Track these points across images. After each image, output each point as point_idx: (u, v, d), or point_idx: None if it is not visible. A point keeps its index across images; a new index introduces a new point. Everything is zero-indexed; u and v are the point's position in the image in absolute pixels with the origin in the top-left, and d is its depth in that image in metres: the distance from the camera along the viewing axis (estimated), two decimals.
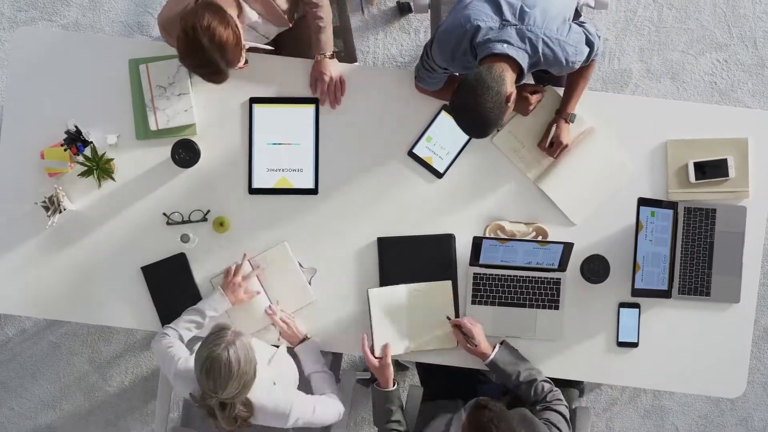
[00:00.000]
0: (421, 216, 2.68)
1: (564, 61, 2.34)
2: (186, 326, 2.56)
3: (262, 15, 2.54)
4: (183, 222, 2.69)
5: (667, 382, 2.66)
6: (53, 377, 3.57)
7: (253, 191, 2.70)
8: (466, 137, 2.65)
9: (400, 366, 3.43)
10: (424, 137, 2.66)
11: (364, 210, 2.69)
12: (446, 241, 2.66)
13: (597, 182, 2.66)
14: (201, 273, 2.69)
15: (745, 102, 3.47)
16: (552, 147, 2.62)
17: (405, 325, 2.64)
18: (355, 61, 3.17)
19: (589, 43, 2.40)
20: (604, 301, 2.66)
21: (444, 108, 2.66)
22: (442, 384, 2.71)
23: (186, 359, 2.43)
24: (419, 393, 2.77)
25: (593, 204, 2.67)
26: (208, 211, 2.69)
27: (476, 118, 2.20)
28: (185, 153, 2.64)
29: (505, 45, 2.25)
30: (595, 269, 2.63)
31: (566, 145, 2.61)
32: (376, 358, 2.56)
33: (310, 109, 2.70)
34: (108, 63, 2.72)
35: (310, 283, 2.66)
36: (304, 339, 2.61)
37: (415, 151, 2.67)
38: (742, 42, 3.48)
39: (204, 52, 2.27)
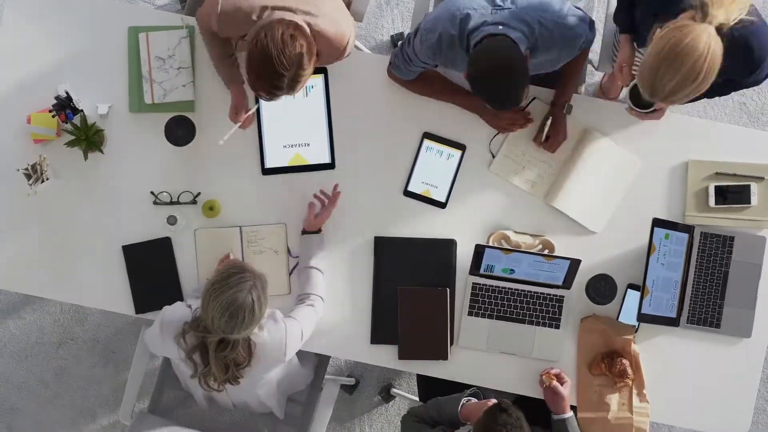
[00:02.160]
0: (423, 218, 2.69)
1: (562, 42, 2.36)
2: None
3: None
4: (171, 203, 2.69)
5: (667, 416, 2.66)
6: (19, 356, 3.57)
7: (266, 171, 2.70)
8: (456, 164, 2.67)
9: (388, 396, 3.43)
10: (414, 172, 2.67)
11: (365, 206, 2.69)
12: (447, 246, 2.66)
13: (607, 184, 2.67)
14: (185, 259, 2.69)
15: None
16: (548, 141, 2.63)
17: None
18: (360, 21, 3.16)
19: (588, 23, 2.42)
20: None
21: (425, 135, 2.67)
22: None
23: (174, 308, 2.42)
24: None
25: (610, 208, 2.67)
26: (199, 194, 2.70)
27: (506, 78, 2.19)
28: (180, 130, 2.64)
29: (501, 27, 2.26)
30: (601, 289, 2.64)
31: (564, 138, 2.62)
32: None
33: (319, 79, 2.70)
34: (106, 28, 2.72)
35: (290, 274, 2.65)
36: (319, 230, 2.62)
37: (410, 189, 2.68)
38: None
39: (282, 70, 2.26)
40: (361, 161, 2.69)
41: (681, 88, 2.11)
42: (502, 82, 2.20)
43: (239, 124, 2.54)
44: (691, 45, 2.06)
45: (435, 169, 2.68)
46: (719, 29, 2.11)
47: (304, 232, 2.62)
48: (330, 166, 2.69)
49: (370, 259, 2.67)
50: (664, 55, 2.09)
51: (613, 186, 2.67)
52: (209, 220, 2.68)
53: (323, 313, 2.59)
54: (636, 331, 2.63)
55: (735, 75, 2.35)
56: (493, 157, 2.68)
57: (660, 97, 2.15)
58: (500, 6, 2.31)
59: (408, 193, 2.68)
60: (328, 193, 2.63)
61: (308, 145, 2.70)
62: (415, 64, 2.51)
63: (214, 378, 2.35)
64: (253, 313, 2.22)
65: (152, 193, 2.70)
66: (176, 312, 2.40)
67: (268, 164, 2.70)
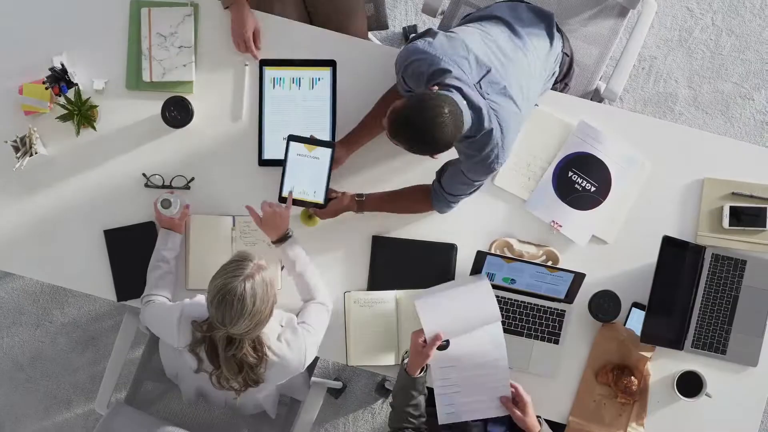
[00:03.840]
0: (426, 219, 2.69)
1: (484, 155, 2.33)
2: (157, 283, 2.56)
3: None
4: (163, 186, 2.69)
5: None
6: None
7: (263, 162, 2.70)
8: None
9: (384, 391, 3.44)
10: None
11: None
12: (447, 250, 2.66)
13: (617, 192, 2.67)
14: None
15: None
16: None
17: (385, 336, 2.64)
18: (386, 28, 3.16)
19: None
20: None
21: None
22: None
23: (193, 303, 2.42)
24: None
25: (621, 218, 2.67)
26: (192, 179, 2.70)
27: (419, 129, 2.16)
28: (177, 111, 2.64)
29: (464, 101, 2.23)
30: (605, 306, 2.63)
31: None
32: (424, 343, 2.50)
33: (327, 72, 2.70)
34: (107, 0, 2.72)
35: (282, 269, 2.65)
36: (287, 234, 2.54)
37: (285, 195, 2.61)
38: None
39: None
40: (363, 157, 2.69)
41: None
42: (422, 123, 2.14)
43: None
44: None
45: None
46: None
47: (273, 243, 2.57)
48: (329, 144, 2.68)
49: (366, 259, 2.68)
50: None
51: (623, 194, 2.67)
52: (202, 205, 2.68)
53: (329, 306, 2.57)
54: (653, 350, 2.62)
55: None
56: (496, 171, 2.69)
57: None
58: (481, 89, 2.28)
59: None
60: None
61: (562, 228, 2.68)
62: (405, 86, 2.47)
63: (227, 379, 2.35)
64: (243, 303, 2.19)
65: (144, 174, 2.70)
66: (196, 308, 2.40)
67: (266, 155, 2.70)
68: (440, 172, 2.52)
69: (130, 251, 2.67)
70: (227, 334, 2.26)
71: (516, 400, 2.53)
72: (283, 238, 2.54)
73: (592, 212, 2.67)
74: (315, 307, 2.52)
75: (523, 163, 2.69)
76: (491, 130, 2.29)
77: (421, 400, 2.51)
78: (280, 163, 2.64)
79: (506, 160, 2.38)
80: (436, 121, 2.14)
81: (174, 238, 2.60)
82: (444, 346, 2.50)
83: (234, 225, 2.67)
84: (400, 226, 2.68)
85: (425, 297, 2.55)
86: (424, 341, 2.46)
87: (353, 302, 2.64)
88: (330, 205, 2.58)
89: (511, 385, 2.54)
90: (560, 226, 2.65)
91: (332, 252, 2.68)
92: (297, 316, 2.49)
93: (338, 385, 3.42)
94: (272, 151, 2.70)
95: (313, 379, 2.84)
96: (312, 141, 2.53)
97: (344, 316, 2.65)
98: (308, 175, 2.55)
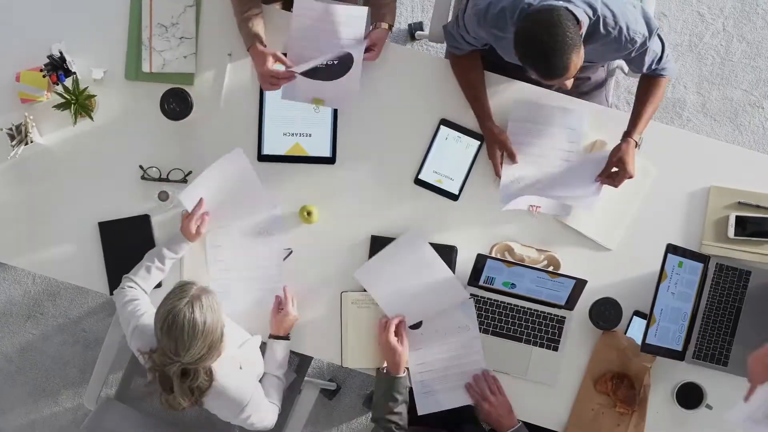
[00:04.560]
0: (426, 219, 2.69)
1: (625, 31, 2.35)
2: (144, 274, 2.56)
3: None
4: (160, 179, 2.69)
5: None
6: None
7: (262, 158, 2.70)
8: (472, 155, 2.67)
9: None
10: (428, 161, 2.67)
11: (367, 201, 2.69)
12: (446, 252, 2.66)
13: (620, 197, 2.66)
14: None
15: None
16: (614, 175, 2.57)
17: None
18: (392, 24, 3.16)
19: (652, 31, 2.41)
20: None
21: (442, 122, 2.67)
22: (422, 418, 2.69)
23: (150, 315, 2.43)
24: None
25: (623, 223, 2.67)
26: (190, 172, 2.69)
27: (549, 44, 2.17)
28: (176, 103, 2.64)
29: (562, 2, 2.24)
30: (606, 314, 2.63)
31: (632, 177, 2.56)
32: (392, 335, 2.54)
33: None
34: None
35: (285, 258, 2.65)
36: (287, 337, 2.62)
37: (421, 177, 2.68)
38: None
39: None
40: (366, 153, 2.69)
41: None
42: (548, 41, 2.17)
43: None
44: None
45: (449, 158, 2.67)
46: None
47: (271, 336, 2.62)
48: (330, 160, 2.69)
49: (365, 259, 2.67)
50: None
51: (625, 199, 2.67)
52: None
53: (274, 419, 2.56)
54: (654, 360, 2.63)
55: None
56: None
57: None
58: None
59: (419, 182, 2.67)
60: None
61: (310, 135, 2.69)
62: (464, 36, 2.51)
63: (178, 404, 2.35)
64: (193, 328, 2.19)
65: (141, 167, 2.70)
66: (148, 330, 2.39)
67: (265, 150, 2.70)
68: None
69: (124, 244, 2.67)
70: (182, 366, 2.26)
71: (490, 391, 2.54)
72: (284, 336, 2.60)
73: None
74: (269, 407, 2.53)
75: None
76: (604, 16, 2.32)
77: (404, 409, 2.51)
78: (280, 159, 2.63)
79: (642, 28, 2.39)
80: (559, 30, 2.17)
81: (183, 245, 2.60)
82: (417, 325, 2.52)
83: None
84: (401, 226, 2.68)
85: (365, 268, 2.57)
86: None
87: (350, 302, 2.64)
88: None
89: (486, 375, 2.55)
90: (538, 207, 2.65)
91: (331, 250, 2.68)
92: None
93: (332, 385, 3.42)
94: (272, 147, 2.69)
95: (306, 379, 2.84)
96: (462, 129, 2.62)
97: (340, 317, 2.65)
98: (450, 163, 2.62)
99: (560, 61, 2.19)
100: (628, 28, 2.36)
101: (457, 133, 2.67)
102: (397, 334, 2.56)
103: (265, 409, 2.50)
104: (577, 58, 2.21)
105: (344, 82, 2.60)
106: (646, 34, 2.41)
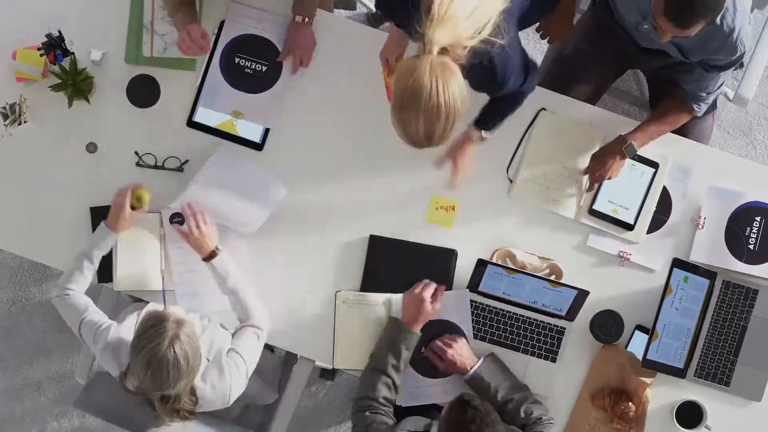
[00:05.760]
0: (427, 223, 2.68)
1: (736, 33, 2.32)
2: (78, 278, 2.52)
3: None
4: (155, 167, 2.68)
5: None
6: None
7: (192, 124, 2.69)
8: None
9: None
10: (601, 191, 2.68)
11: (362, 199, 2.69)
12: (447, 256, 2.65)
13: (641, 191, 2.67)
14: None
15: None
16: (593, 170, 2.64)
17: (372, 341, 2.62)
18: (354, 9, 3.16)
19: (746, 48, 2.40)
20: None
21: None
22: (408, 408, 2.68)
23: (116, 329, 2.41)
24: None
25: (646, 216, 2.67)
26: (187, 161, 2.68)
27: None
28: (144, 90, 2.66)
29: None
30: (607, 327, 2.63)
31: (607, 177, 2.62)
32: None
33: None
34: None
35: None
36: (215, 251, 2.52)
37: (596, 207, 2.67)
38: None
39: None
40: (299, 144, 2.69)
41: (433, 129, 2.06)
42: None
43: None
44: (416, 84, 2.00)
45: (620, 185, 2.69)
46: (454, 53, 2.04)
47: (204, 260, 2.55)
48: (258, 146, 2.68)
49: (362, 259, 2.67)
50: (399, 105, 2.06)
51: (647, 192, 2.68)
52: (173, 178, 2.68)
53: (263, 330, 2.52)
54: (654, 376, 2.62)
55: (488, 93, 2.40)
56: (511, 182, 2.69)
57: (423, 144, 2.11)
58: None
59: (593, 212, 2.68)
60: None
61: (243, 115, 2.69)
62: None
63: (163, 422, 2.35)
64: (178, 368, 2.18)
65: (136, 153, 2.69)
66: (121, 347, 2.38)
67: (197, 117, 2.69)
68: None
69: None
70: (162, 395, 2.25)
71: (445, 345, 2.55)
72: (211, 255, 2.52)
73: None
74: (248, 333, 2.48)
75: (539, 172, 2.68)
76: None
77: (398, 377, 2.48)
78: (209, 132, 2.66)
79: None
80: None
81: (111, 240, 2.54)
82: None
83: (162, 224, 2.65)
84: (400, 227, 2.67)
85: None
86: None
87: (342, 302, 2.63)
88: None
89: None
90: (630, 254, 2.67)
91: (327, 249, 2.68)
92: (232, 337, 2.48)
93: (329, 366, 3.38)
94: (204, 116, 2.69)
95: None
96: (636, 157, 2.63)
97: (334, 316, 2.64)
98: (625, 191, 2.66)
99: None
100: (739, 32, 2.35)
101: None
102: (433, 296, 2.55)
103: (251, 354, 2.46)
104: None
105: (268, 97, 2.63)
106: (745, 51, 2.39)
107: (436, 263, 2.66)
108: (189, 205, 2.54)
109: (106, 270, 2.63)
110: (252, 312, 2.50)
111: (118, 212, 2.50)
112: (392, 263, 2.66)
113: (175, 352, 2.17)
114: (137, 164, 2.69)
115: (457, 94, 2.03)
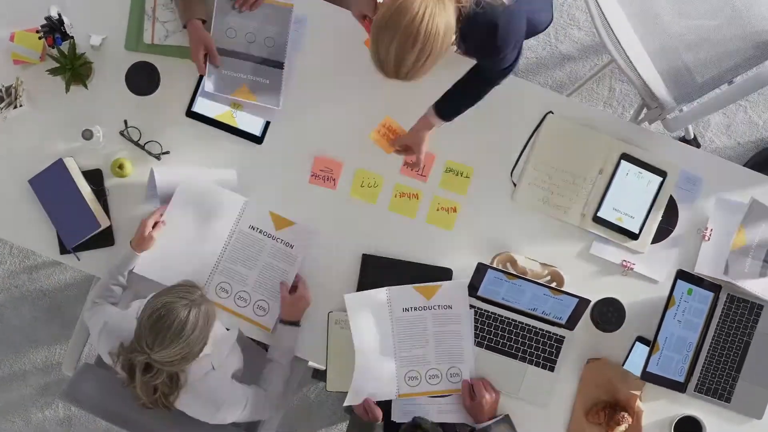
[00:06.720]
0: (423, 238, 2.67)
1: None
2: (106, 295, 2.57)
3: None
4: (137, 143, 2.66)
5: None
6: None
7: (191, 114, 2.69)
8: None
9: None
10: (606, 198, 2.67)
11: (354, 218, 2.68)
12: (440, 274, 2.64)
13: (647, 200, 2.67)
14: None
15: None
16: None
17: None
18: None
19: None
20: None
21: (623, 157, 2.66)
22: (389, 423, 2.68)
23: (123, 316, 2.43)
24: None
25: (652, 226, 2.67)
26: (167, 152, 2.68)
27: None
28: (143, 79, 2.65)
29: None
30: (607, 315, 2.61)
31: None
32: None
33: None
34: None
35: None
36: (297, 323, 2.60)
37: (600, 215, 2.66)
38: None
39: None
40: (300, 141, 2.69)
41: (404, 56, 2.06)
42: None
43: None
44: (404, 5, 2.03)
45: (626, 192, 2.68)
46: (459, 5, 2.08)
47: (282, 321, 2.60)
48: (258, 140, 2.68)
49: (355, 278, 2.66)
50: (379, 23, 2.07)
51: (652, 199, 2.68)
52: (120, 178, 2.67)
53: (260, 416, 2.55)
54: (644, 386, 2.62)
55: (476, 56, 2.38)
56: (515, 185, 2.68)
57: (391, 72, 2.12)
58: None
59: (598, 219, 2.67)
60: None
61: (243, 108, 2.69)
62: None
63: (138, 397, 2.34)
64: (181, 330, 2.19)
65: (125, 122, 2.67)
66: (123, 323, 2.40)
67: (196, 108, 2.69)
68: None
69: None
70: (147, 359, 2.25)
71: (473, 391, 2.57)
72: (294, 322, 2.59)
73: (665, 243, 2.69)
74: (252, 392, 2.49)
75: (545, 176, 2.67)
76: None
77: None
78: (208, 122, 2.66)
79: None
80: None
81: (136, 260, 2.58)
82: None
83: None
84: (395, 244, 2.66)
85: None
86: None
87: (334, 323, 2.62)
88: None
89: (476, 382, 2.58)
90: (633, 264, 2.66)
91: (320, 268, 2.66)
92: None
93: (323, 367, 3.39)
94: (204, 107, 2.69)
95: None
96: (644, 165, 2.63)
97: (327, 337, 2.63)
98: (631, 199, 2.64)
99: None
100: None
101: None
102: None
103: (254, 404, 2.47)
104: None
105: (270, 87, 2.66)
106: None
107: (430, 281, 2.63)
108: (298, 275, 2.63)
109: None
110: (271, 388, 2.55)
111: (142, 235, 2.55)
112: (385, 282, 2.61)
113: (188, 314, 2.20)
114: (121, 133, 2.67)
115: (441, 29, 2.04)
